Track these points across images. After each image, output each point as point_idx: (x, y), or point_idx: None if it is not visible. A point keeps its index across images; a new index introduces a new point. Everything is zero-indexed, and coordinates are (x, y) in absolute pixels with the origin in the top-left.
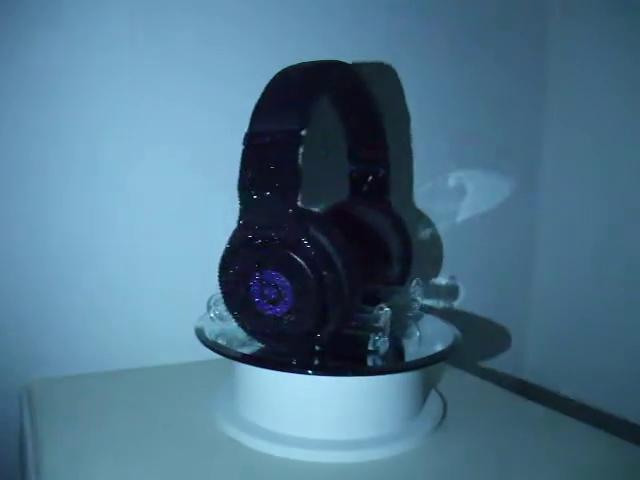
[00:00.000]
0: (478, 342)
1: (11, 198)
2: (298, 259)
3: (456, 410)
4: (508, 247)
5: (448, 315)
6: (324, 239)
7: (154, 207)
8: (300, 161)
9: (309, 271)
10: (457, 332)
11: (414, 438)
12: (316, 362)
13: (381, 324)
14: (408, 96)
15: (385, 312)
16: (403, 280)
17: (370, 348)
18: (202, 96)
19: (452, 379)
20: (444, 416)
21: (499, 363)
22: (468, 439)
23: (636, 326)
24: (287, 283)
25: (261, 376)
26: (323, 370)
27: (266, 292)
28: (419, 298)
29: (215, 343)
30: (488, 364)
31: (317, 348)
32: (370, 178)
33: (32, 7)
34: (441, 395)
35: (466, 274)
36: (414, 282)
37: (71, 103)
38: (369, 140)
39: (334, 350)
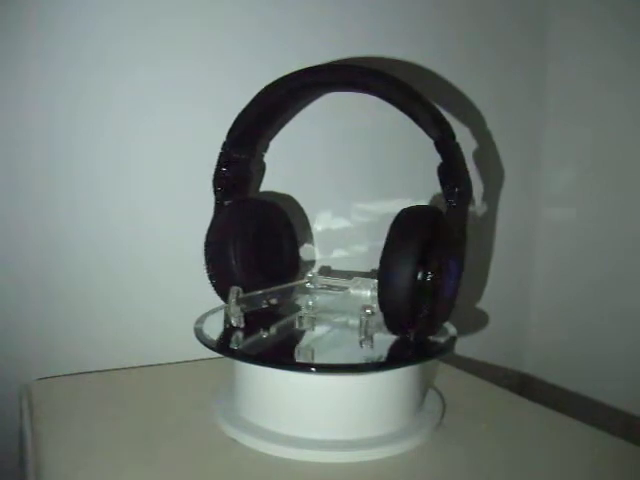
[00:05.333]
0: (477, 340)
1: (12, 199)
2: None
3: (455, 410)
4: (508, 245)
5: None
6: (216, 226)
7: (155, 209)
8: (225, 168)
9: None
10: (453, 329)
11: (413, 438)
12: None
13: None
14: None
15: None
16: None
17: None
18: (211, 97)
19: (451, 379)
20: (443, 415)
21: (498, 362)
22: (467, 439)
23: (635, 325)
24: None
25: (261, 375)
26: (325, 369)
27: None
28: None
29: (214, 342)
30: (487, 363)
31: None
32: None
33: None
34: (440, 394)
35: (466, 271)
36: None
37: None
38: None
39: None
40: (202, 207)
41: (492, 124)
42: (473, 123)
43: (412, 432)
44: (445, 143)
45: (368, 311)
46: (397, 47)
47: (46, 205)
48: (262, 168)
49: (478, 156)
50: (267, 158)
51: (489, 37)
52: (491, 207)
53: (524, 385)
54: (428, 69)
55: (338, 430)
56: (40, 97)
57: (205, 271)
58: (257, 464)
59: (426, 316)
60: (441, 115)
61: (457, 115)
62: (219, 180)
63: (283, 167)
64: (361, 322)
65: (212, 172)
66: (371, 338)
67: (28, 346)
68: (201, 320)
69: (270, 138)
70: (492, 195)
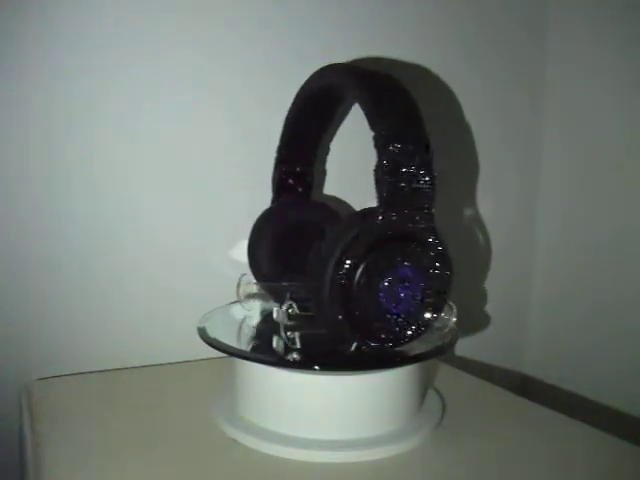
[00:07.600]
0: (477, 340)
1: (11, 199)
2: None
3: (455, 410)
4: (508, 246)
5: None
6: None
7: (155, 208)
8: (277, 169)
9: None
10: (454, 327)
11: (413, 438)
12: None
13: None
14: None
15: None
16: None
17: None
18: (211, 97)
19: (451, 379)
20: (443, 415)
21: (498, 362)
22: (467, 439)
23: (635, 323)
24: None
25: (262, 374)
26: (325, 368)
27: None
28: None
29: (217, 341)
30: (487, 363)
31: None
32: None
33: None
34: (440, 395)
35: (466, 272)
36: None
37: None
38: None
39: None
40: (203, 206)
41: (492, 124)
42: (472, 123)
43: (412, 432)
44: (380, 139)
45: (282, 309)
46: (397, 47)
47: (45, 204)
48: (323, 171)
49: (477, 156)
50: (329, 161)
51: (489, 37)
52: (490, 208)
53: (524, 385)
54: (428, 69)
55: (338, 430)
56: (39, 94)
57: (205, 271)
58: (257, 464)
59: (349, 325)
60: (387, 107)
61: (456, 115)
62: (273, 181)
63: (344, 170)
64: (278, 319)
65: (211, 171)
66: (291, 336)
67: (28, 346)
68: (204, 319)
69: (327, 141)
70: (491, 195)
